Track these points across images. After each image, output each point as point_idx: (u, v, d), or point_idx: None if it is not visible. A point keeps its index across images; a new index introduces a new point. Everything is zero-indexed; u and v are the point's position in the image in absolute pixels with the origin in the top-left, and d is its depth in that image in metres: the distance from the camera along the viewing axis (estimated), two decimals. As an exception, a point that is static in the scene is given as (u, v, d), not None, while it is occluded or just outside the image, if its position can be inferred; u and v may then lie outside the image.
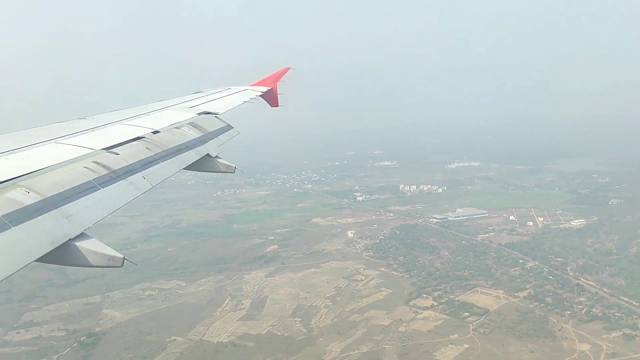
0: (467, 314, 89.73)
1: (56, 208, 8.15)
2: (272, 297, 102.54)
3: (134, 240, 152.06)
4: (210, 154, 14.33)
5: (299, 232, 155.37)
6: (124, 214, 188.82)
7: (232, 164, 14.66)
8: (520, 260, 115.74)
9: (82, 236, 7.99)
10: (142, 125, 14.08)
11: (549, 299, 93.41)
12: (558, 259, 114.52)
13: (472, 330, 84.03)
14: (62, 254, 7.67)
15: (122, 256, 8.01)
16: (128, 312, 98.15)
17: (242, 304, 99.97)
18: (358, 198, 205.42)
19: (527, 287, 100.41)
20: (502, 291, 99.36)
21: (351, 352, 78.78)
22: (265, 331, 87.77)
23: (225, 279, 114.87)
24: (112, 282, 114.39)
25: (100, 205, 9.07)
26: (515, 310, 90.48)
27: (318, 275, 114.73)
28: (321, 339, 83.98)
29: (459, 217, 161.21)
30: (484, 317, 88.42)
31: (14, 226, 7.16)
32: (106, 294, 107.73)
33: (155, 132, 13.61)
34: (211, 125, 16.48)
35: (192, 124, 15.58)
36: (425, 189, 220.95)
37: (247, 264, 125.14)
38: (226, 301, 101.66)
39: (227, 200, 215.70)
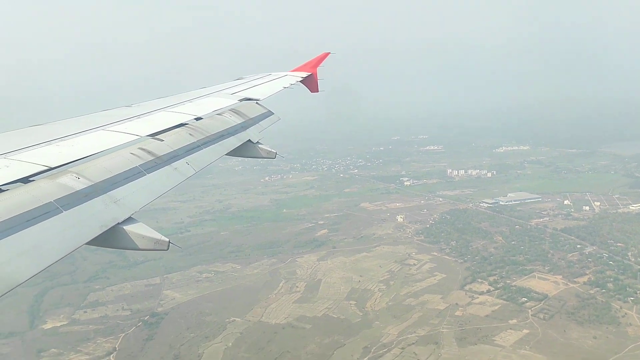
0: (525, 299, 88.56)
1: (105, 193, 8.44)
2: (326, 281, 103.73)
3: (187, 224, 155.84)
4: (251, 139, 14.48)
5: (348, 216, 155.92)
6: (175, 198, 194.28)
7: (273, 150, 14.78)
8: (578, 246, 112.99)
9: (129, 220, 8.25)
10: (185, 112, 14.31)
11: (610, 285, 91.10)
12: (618, 244, 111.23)
13: (531, 315, 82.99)
14: (111, 237, 7.94)
15: (168, 240, 8.29)
16: (187, 293, 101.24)
17: (297, 286, 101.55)
18: (405, 183, 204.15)
19: (587, 272, 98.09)
20: (560, 276, 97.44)
21: (408, 336, 79.15)
22: (321, 314, 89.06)
23: (278, 262, 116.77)
24: (170, 264, 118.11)
25: (146, 190, 9.36)
26: (575, 296, 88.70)
27: (370, 260, 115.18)
28: (377, 322, 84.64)
29: (511, 201, 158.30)
30: (542, 302, 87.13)
31: (65, 210, 7.44)
32: (165, 275, 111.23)
33: (197, 119, 13.84)
34: (252, 111, 16.73)
35: (234, 110, 15.84)
36: (474, 173, 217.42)
37: (299, 247, 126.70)
38: (281, 284, 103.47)
39: (274, 186, 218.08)
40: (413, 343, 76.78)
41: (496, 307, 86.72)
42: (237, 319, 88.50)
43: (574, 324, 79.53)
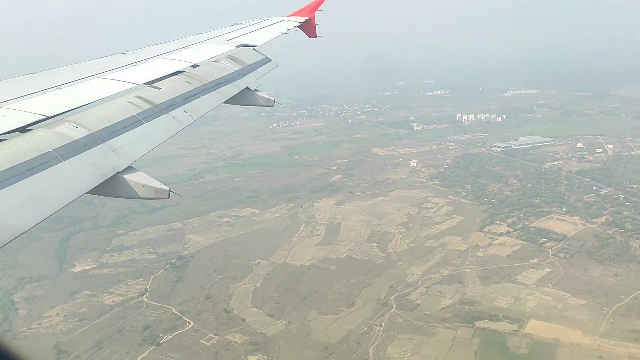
0: (545, 239, 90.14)
1: (103, 142, 8.42)
2: (346, 224, 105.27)
3: (201, 171, 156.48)
4: (249, 87, 14.35)
5: (361, 162, 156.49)
6: (186, 145, 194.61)
7: (271, 97, 14.68)
8: (594, 187, 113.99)
9: (129, 169, 8.29)
10: (181, 59, 14.14)
11: (628, 225, 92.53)
12: (634, 186, 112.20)
13: (552, 255, 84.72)
14: (112, 187, 7.97)
15: (168, 188, 8.39)
16: (210, 237, 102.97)
17: (317, 230, 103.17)
18: (415, 128, 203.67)
19: (604, 213, 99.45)
20: (577, 217, 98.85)
21: (432, 275, 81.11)
22: (345, 255, 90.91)
23: (296, 207, 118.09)
24: (189, 210, 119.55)
25: (145, 139, 9.35)
26: (594, 236, 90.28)
27: (387, 204, 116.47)
28: (400, 263, 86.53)
29: (523, 145, 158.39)
30: (562, 242, 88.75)
31: (64, 160, 7.46)
32: (186, 220, 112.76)
33: (194, 66, 13.67)
34: (249, 58, 16.47)
35: (231, 57, 15.57)
36: (483, 117, 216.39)
37: (315, 192, 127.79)
38: (301, 228, 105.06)
39: (283, 132, 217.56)
40: (437, 282, 78.79)
41: (516, 248, 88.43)
42: (262, 261, 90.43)
43: (594, 262, 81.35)
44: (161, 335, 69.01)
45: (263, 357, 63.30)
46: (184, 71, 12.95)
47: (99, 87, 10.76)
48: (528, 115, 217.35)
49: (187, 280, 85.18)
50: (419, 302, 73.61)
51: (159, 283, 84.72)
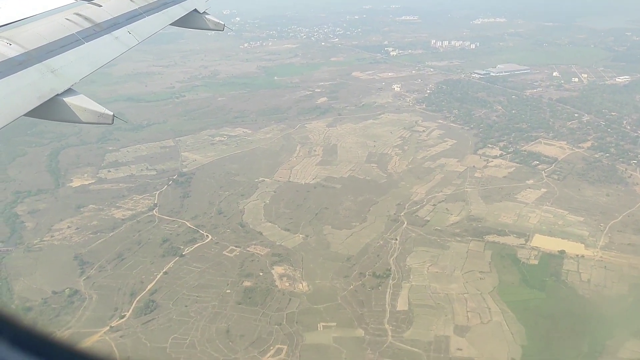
0: (537, 162, 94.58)
1: (40, 62, 7.88)
2: (342, 145, 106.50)
3: (179, 90, 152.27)
4: (197, 9, 13.65)
5: (343, 85, 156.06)
6: (156, 63, 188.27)
7: (221, 22, 14.20)
8: (575, 114, 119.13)
9: (69, 92, 7.86)
10: None
11: (613, 150, 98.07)
12: (612, 113, 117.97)
13: (546, 176, 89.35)
14: (51, 110, 7.61)
15: (112, 113, 8.14)
16: (206, 155, 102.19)
17: (315, 150, 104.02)
18: (391, 53, 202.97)
19: (589, 138, 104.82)
20: (564, 142, 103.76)
21: (436, 194, 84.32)
22: (347, 175, 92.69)
23: (287, 127, 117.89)
24: (177, 128, 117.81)
25: (86, 60, 8.84)
26: (582, 160, 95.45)
27: (378, 126, 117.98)
28: (403, 183, 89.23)
29: (501, 72, 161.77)
30: (553, 165, 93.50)
31: None
32: (177, 139, 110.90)
33: None
34: None
35: None
36: (457, 44, 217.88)
37: (303, 114, 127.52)
38: (297, 148, 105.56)
39: (256, 53, 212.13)
40: (442, 201, 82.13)
41: (511, 170, 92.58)
42: (265, 179, 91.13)
43: (585, 183, 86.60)
44: (182, 247, 69.76)
45: (289, 268, 65.41)
46: None
47: (34, 2, 9.94)
48: (500, 43, 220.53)
49: (194, 196, 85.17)
50: (428, 218, 76.92)
51: (165, 198, 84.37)
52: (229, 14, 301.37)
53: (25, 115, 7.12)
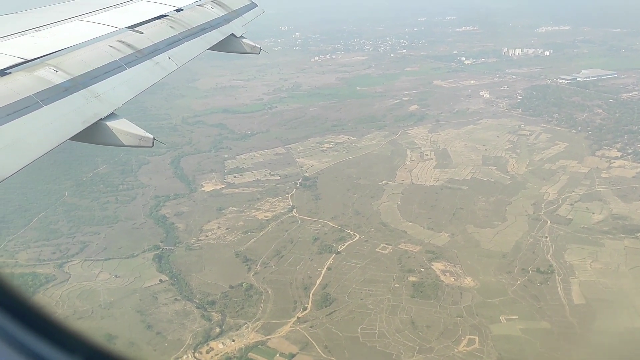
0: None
1: (85, 87, 8.21)
2: (452, 149, 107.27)
3: (268, 101, 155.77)
4: (235, 33, 14.03)
5: (428, 93, 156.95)
6: (235, 77, 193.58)
7: (257, 45, 14.37)
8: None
9: (112, 116, 8.14)
10: (165, 3, 13.63)
11: None
12: None
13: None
14: (95, 133, 7.84)
15: (152, 137, 8.29)
16: (321, 161, 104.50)
17: (427, 155, 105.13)
18: (465, 62, 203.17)
19: None
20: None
21: (569, 194, 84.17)
22: (469, 177, 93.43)
23: (390, 134, 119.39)
24: (281, 136, 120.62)
25: (128, 85, 9.17)
26: None
27: (481, 131, 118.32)
28: (529, 184, 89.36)
29: (588, 78, 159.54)
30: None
31: (45, 105, 7.23)
32: (286, 146, 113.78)
33: (178, 10, 13.28)
34: (235, 2, 15.94)
35: (216, 1, 15.10)
36: (530, 52, 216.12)
37: (400, 121, 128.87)
38: (408, 152, 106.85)
39: (329, 65, 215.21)
40: (578, 200, 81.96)
41: (639, 170, 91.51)
42: (388, 182, 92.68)
43: None
44: (334, 245, 71.64)
45: (447, 264, 66.42)
46: (167, 15, 12.61)
47: (80, 30, 10.38)
48: (574, 50, 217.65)
49: (325, 199, 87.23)
50: (570, 217, 76.90)
51: (299, 200, 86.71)
52: (287, 30, 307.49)
53: (70, 139, 7.36)
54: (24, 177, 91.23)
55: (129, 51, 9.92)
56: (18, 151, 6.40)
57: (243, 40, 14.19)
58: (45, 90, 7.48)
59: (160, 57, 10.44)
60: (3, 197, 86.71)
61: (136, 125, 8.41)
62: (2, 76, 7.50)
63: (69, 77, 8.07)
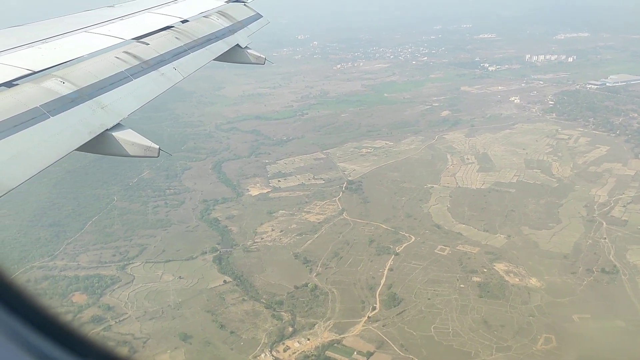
0: None
1: (91, 98, 8.29)
2: (492, 153, 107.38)
3: (298, 108, 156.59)
4: (240, 44, 14.21)
5: (457, 99, 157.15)
6: (261, 85, 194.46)
7: (262, 55, 14.53)
8: None
9: (118, 126, 8.21)
10: (170, 14, 13.74)
11: None
12: None
13: None
14: (101, 144, 7.92)
15: (158, 147, 8.33)
16: (362, 165, 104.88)
17: (468, 159, 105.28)
18: (489, 68, 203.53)
19: None
20: None
21: (620, 196, 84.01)
22: (515, 180, 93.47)
23: (426, 139, 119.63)
24: (318, 142, 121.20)
25: (134, 96, 9.25)
26: None
27: (518, 135, 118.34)
28: (577, 186, 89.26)
29: (617, 82, 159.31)
30: None
31: (52, 116, 7.30)
32: (325, 151, 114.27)
33: (184, 22, 13.42)
34: (240, 13, 16.09)
35: (221, 13, 15.19)
36: (553, 58, 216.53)
37: (434, 126, 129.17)
38: (448, 157, 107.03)
39: (352, 73, 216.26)
40: (630, 202, 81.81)
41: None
42: (434, 185, 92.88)
43: None
44: (391, 247, 71.83)
45: (509, 265, 66.41)
46: (173, 26, 12.77)
47: (86, 42, 10.52)
48: (598, 56, 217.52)
49: (373, 202, 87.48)
50: (625, 218, 76.78)
51: (347, 204, 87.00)
52: (304, 39, 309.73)
53: (76, 150, 7.43)
54: (73, 183, 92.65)
55: (135, 62, 10.06)
56: (25, 161, 6.51)
57: (248, 50, 14.39)
58: (52, 102, 7.58)
59: (166, 68, 10.57)
60: (56, 202, 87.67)
61: (142, 135, 8.48)
62: (9, 87, 7.62)
63: (75, 88, 8.19)
